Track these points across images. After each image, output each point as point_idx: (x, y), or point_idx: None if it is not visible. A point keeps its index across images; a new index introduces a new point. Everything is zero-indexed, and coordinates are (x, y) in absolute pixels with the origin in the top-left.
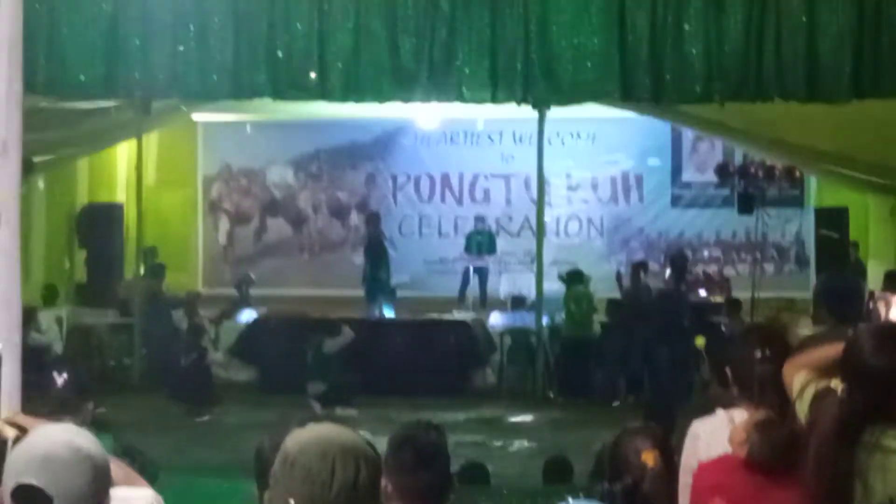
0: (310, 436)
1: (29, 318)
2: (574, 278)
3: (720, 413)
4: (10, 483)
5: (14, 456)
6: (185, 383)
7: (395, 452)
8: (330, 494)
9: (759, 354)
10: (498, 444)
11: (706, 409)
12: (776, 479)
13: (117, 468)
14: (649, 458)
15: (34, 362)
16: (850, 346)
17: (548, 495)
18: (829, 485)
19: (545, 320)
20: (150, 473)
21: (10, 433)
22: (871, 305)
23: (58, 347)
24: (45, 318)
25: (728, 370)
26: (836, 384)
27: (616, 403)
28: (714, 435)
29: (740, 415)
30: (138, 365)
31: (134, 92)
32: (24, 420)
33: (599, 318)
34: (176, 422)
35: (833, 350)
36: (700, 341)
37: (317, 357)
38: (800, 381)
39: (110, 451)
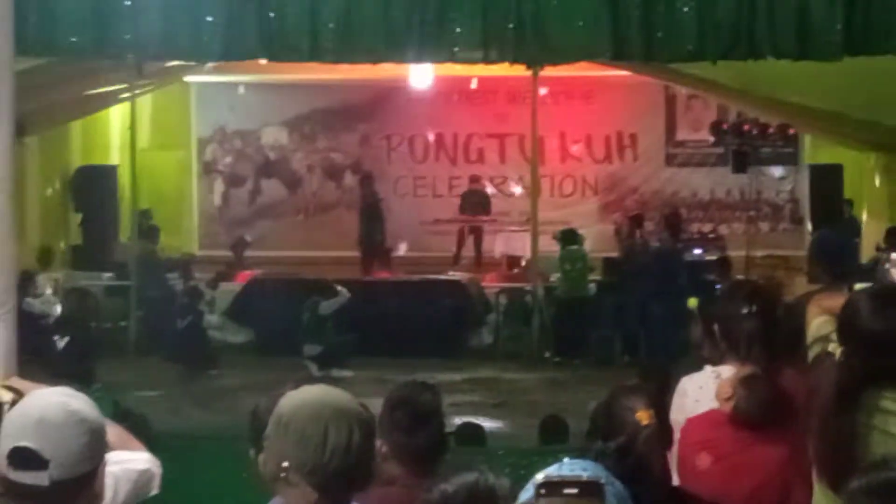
0: (303, 398)
1: (28, 282)
2: (568, 238)
3: (707, 369)
4: (5, 446)
5: (9, 419)
6: (182, 345)
7: (391, 413)
8: (323, 457)
9: (745, 310)
10: (493, 403)
11: (697, 367)
12: (762, 435)
13: (114, 432)
14: (643, 416)
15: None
16: (848, 309)
17: (543, 455)
18: (832, 448)
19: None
20: (147, 436)
21: (7, 397)
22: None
23: (55, 311)
24: (42, 281)
25: (715, 326)
26: (835, 347)
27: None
28: (701, 391)
29: (728, 371)
30: (134, 327)
31: (126, 53)
32: (21, 384)
33: (595, 277)
34: (172, 384)
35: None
36: (693, 302)
37: (312, 318)
38: (818, 325)
39: (109, 414)
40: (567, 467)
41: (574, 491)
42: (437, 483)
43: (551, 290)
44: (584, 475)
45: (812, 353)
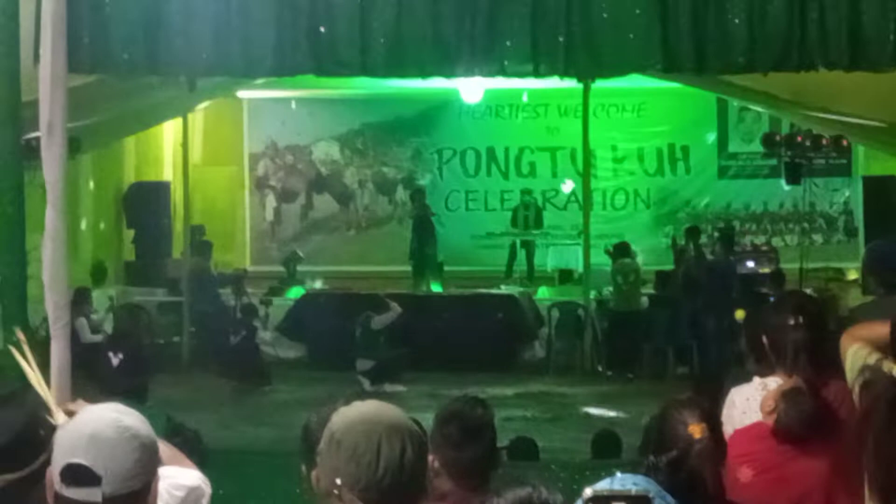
0: (355, 414)
1: (82, 298)
2: (621, 251)
3: (756, 381)
4: (59, 463)
5: (62, 436)
6: (234, 361)
7: (442, 428)
8: (376, 474)
9: (792, 322)
10: (547, 418)
11: (747, 379)
12: (803, 448)
13: (165, 450)
14: (696, 430)
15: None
16: None
17: (596, 469)
18: (885, 466)
19: (593, 294)
20: (199, 452)
21: (62, 419)
22: None
23: (109, 328)
24: (97, 298)
25: (764, 338)
26: (890, 366)
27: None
28: (748, 403)
29: (774, 383)
30: (187, 343)
31: (178, 70)
32: (79, 407)
33: (647, 290)
34: (225, 400)
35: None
36: (740, 314)
37: (365, 333)
38: (853, 354)
39: (163, 431)
40: (619, 482)
41: None
42: (489, 497)
43: (604, 304)
44: (634, 490)
45: (854, 381)
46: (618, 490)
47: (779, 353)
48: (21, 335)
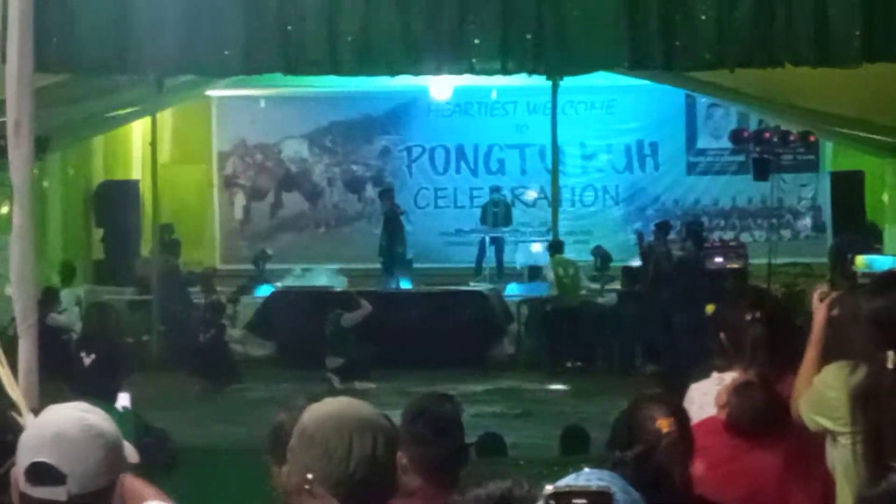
0: (326, 411)
1: (51, 297)
2: (555, 247)
3: (714, 376)
4: (24, 462)
5: (27, 435)
6: (204, 359)
7: (410, 425)
8: (348, 469)
9: (749, 317)
10: (515, 414)
11: (706, 373)
12: (756, 442)
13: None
14: (664, 424)
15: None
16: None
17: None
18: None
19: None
20: (169, 451)
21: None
22: None
23: (78, 327)
24: (65, 297)
25: (722, 334)
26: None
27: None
28: (706, 398)
29: (731, 377)
30: (157, 342)
31: (146, 69)
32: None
33: (615, 287)
34: (195, 398)
35: (809, 354)
36: (710, 309)
37: (335, 331)
38: (805, 407)
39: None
40: (584, 477)
41: (583, 501)
42: (470, 489)
43: (548, 299)
44: (595, 485)
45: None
46: (578, 485)
47: (736, 349)
48: None
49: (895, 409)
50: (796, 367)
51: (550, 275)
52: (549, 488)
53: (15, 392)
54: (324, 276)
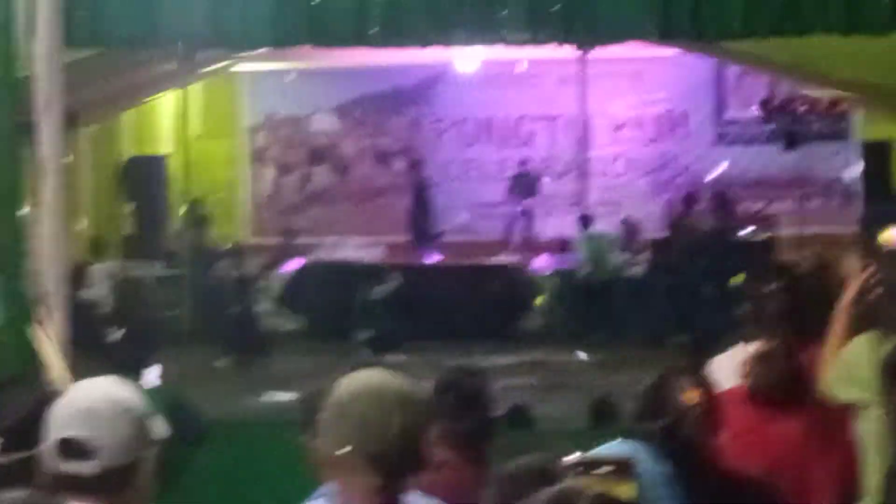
0: (363, 382)
1: (81, 273)
2: (586, 221)
3: (739, 347)
4: (54, 437)
5: (56, 410)
6: (234, 333)
7: (438, 398)
8: (385, 442)
9: (773, 288)
10: (545, 386)
11: (733, 345)
12: (778, 411)
13: None
14: (691, 396)
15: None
16: None
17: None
18: None
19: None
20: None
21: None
22: None
23: (109, 302)
24: (95, 273)
25: (747, 305)
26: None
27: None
28: (731, 368)
29: (756, 348)
30: (187, 316)
31: (175, 42)
32: None
33: (645, 257)
34: (226, 372)
35: (837, 325)
36: (737, 280)
37: (365, 303)
38: (834, 379)
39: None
40: (612, 449)
41: (606, 470)
42: (504, 463)
43: (594, 273)
44: (616, 455)
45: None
46: (602, 456)
47: (760, 320)
48: (44, 313)
49: None
50: (820, 337)
51: (583, 251)
52: (572, 458)
53: (61, 370)
54: (354, 249)
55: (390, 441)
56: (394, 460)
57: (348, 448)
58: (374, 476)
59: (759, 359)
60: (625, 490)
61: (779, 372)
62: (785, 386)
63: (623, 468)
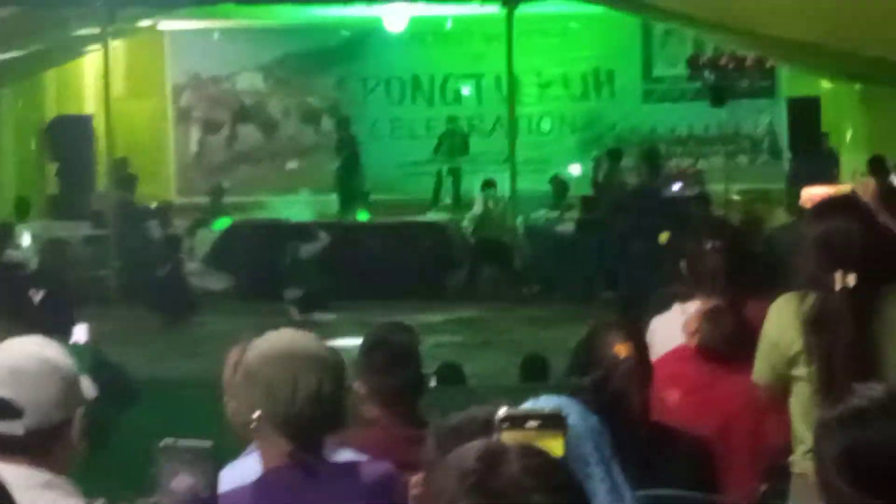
0: (271, 347)
1: (7, 234)
2: (487, 183)
3: (676, 307)
4: None
5: None
6: (162, 293)
7: (367, 354)
8: (293, 407)
9: (709, 246)
10: (475, 344)
11: (667, 305)
12: (728, 367)
13: None
14: (622, 349)
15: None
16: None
17: (523, 393)
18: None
19: (519, 219)
20: (125, 386)
21: None
22: None
23: (34, 263)
24: (20, 232)
25: (682, 263)
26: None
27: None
28: (670, 328)
29: (694, 307)
30: (114, 277)
31: (96, 1)
32: None
33: (574, 215)
34: (154, 332)
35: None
36: (664, 237)
37: (293, 263)
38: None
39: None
40: (541, 403)
41: (535, 423)
42: (446, 417)
43: (532, 229)
44: (548, 408)
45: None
46: (529, 409)
47: (697, 278)
48: None
49: (846, 333)
50: (757, 294)
51: (478, 208)
52: (501, 412)
53: None
54: (286, 208)
55: (299, 404)
56: (304, 425)
57: (258, 412)
58: (287, 441)
59: (708, 315)
60: (553, 444)
61: (728, 328)
62: (735, 341)
63: (552, 421)
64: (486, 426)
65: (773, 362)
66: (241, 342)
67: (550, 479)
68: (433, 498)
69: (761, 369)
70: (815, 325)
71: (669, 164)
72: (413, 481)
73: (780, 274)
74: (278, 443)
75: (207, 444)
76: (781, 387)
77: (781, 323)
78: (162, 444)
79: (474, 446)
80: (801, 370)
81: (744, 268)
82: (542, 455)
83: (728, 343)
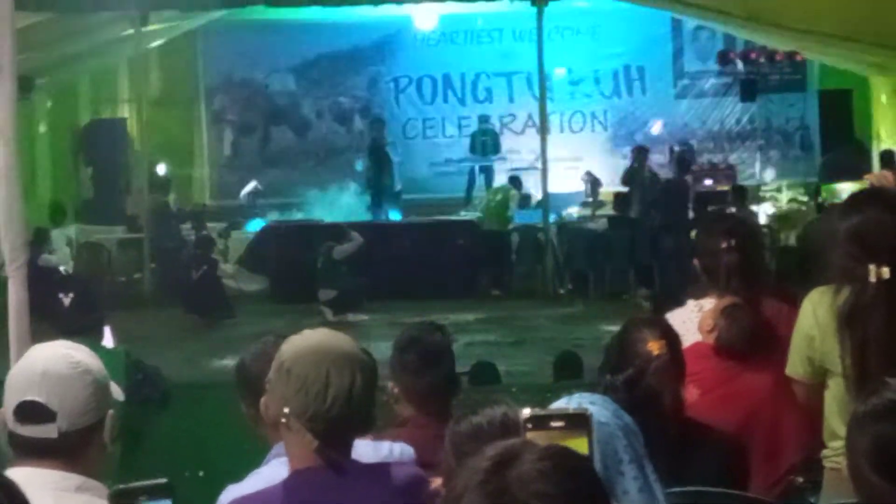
0: (305, 344)
1: (43, 238)
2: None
3: (690, 303)
4: (12, 402)
5: (13, 375)
6: (197, 296)
7: (401, 354)
8: (324, 404)
9: (724, 245)
10: (508, 342)
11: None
12: (746, 364)
13: None
14: (654, 346)
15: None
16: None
17: (557, 391)
18: None
19: (552, 217)
20: (160, 387)
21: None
22: None
23: (69, 267)
24: (56, 237)
25: (696, 261)
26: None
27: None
28: (685, 325)
29: (709, 304)
30: (149, 279)
31: (128, 5)
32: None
33: (606, 212)
34: (189, 334)
35: None
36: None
37: (326, 263)
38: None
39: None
40: (575, 401)
41: (560, 423)
42: (464, 416)
43: (564, 226)
44: (572, 408)
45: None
46: (555, 409)
47: (711, 276)
48: None
49: (880, 325)
50: (771, 291)
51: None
52: (526, 412)
53: None
54: (319, 209)
55: (330, 404)
56: (335, 423)
57: (287, 410)
58: (314, 438)
59: (725, 312)
60: (578, 443)
61: (746, 324)
62: (753, 338)
63: (576, 421)
64: (504, 427)
65: (808, 356)
66: (255, 346)
67: (563, 481)
68: (450, 499)
69: (795, 363)
70: (850, 318)
71: (701, 160)
72: (435, 484)
73: (815, 268)
74: (306, 440)
75: (163, 481)
76: (815, 381)
77: (816, 316)
78: (113, 489)
79: (494, 446)
80: (835, 364)
81: (758, 267)
82: (560, 456)
83: (746, 340)
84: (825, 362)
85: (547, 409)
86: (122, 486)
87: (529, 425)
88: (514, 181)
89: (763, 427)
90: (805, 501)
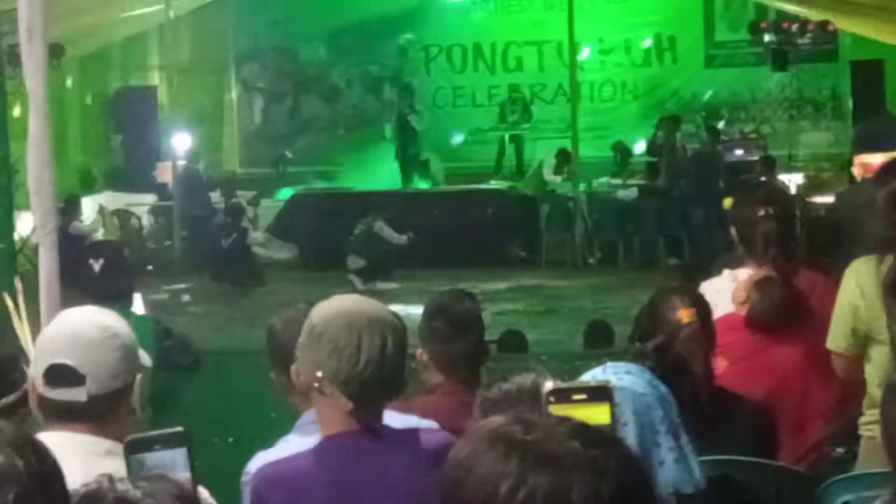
0: (336, 308)
1: (73, 205)
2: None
3: (725, 273)
4: (41, 365)
5: (43, 338)
6: (226, 263)
7: (430, 322)
8: (357, 367)
9: (762, 213)
10: (538, 311)
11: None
12: (777, 337)
13: None
14: (684, 314)
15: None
16: None
17: (586, 359)
18: None
19: (582, 186)
20: (189, 354)
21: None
22: None
23: (99, 234)
24: (86, 204)
25: (733, 230)
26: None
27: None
28: (720, 295)
29: (744, 274)
30: (179, 247)
31: None
32: None
33: (637, 181)
34: (218, 302)
35: None
36: (728, 202)
37: (362, 234)
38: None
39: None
40: (610, 370)
41: (583, 396)
42: (494, 383)
43: (594, 195)
44: (594, 381)
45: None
46: (577, 382)
47: (748, 245)
48: (18, 284)
49: None
50: (809, 261)
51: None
52: (548, 385)
53: (27, 343)
54: (349, 178)
55: (363, 367)
56: (367, 386)
57: (319, 374)
58: (348, 401)
59: (758, 285)
60: (600, 415)
61: (778, 298)
62: (784, 311)
63: (599, 394)
64: (533, 394)
65: (853, 327)
66: (284, 313)
67: (591, 435)
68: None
69: (838, 336)
70: (895, 287)
71: (732, 130)
72: None
73: (846, 238)
74: (341, 403)
75: (178, 429)
76: (857, 354)
77: (861, 286)
78: (128, 438)
79: (511, 414)
80: (882, 332)
81: (795, 236)
82: (582, 426)
83: (777, 313)
84: (871, 331)
85: (569, 383)
86: (137, 435)
87: (552, 398)
88: (563, 153)
89: (791, 400)
90: (839, 471)
